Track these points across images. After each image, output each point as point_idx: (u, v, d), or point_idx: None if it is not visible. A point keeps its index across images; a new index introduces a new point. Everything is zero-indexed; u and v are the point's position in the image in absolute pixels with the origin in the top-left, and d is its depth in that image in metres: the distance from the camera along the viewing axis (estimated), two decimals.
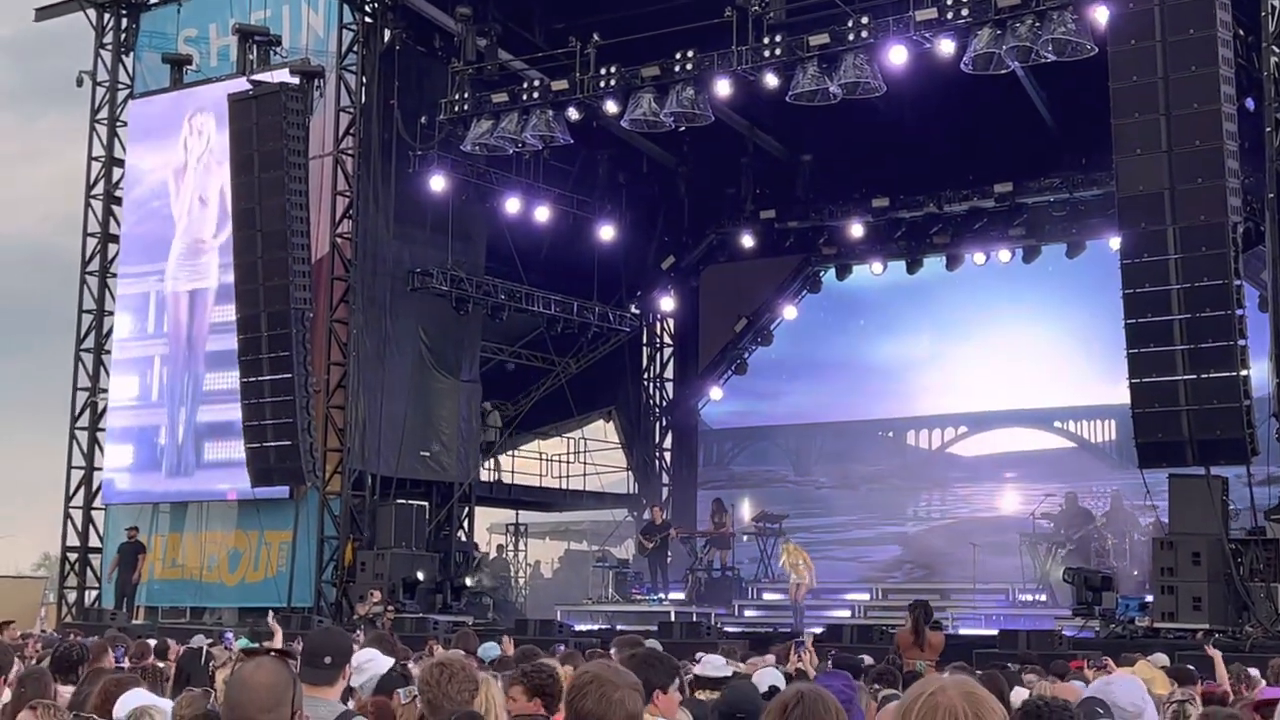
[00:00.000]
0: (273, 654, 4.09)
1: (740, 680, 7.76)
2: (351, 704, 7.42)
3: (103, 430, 28.20)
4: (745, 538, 28.66)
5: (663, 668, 5.75)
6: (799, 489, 29.76)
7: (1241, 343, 17.37)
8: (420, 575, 24.35)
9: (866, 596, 26.67)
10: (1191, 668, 12.27)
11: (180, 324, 27.08)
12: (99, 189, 29.02)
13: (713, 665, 8.58)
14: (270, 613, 19.75)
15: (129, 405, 27.54)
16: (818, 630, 20.14)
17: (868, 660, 13.18)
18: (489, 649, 12.30)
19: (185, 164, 27.28)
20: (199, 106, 26.82)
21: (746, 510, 29.72)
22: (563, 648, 14.65)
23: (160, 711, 6.44)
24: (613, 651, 10.30)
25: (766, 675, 7.96)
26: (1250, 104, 19.86)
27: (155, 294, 27.48)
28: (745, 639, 18.93)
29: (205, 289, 26.60)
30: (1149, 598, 18.88)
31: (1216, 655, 12.76)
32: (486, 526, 33.30)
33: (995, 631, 19.90)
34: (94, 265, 28.83)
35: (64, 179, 30.08)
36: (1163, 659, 12.91)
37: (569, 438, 32.45)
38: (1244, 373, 17.38)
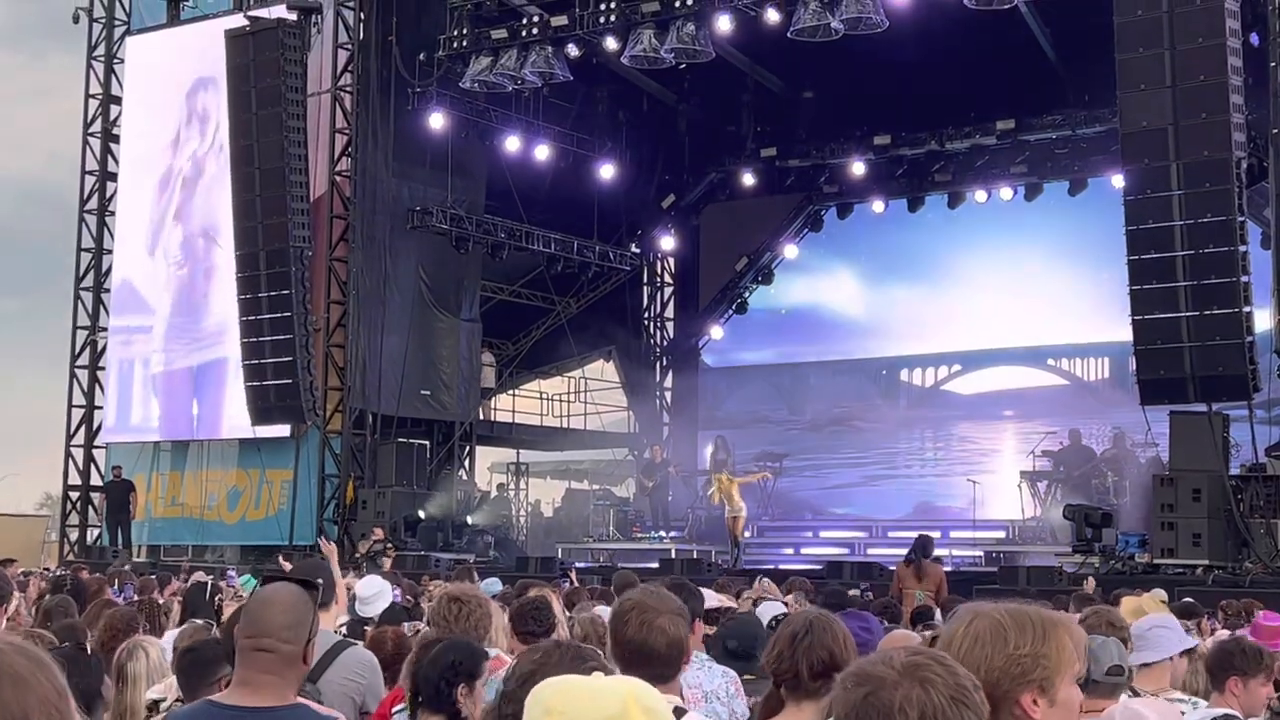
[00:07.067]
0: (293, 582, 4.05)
1: (744, 614, 7.85)
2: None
3: (103, 369, 28.20)
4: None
5: (699, 597, 5.82)
6: (796, 428, 29.73)
7: (1244, 279, 17.32)
8: (421, 513, 24.42)
9: (865, 534, 26.73)
10: (1191, 600, 12.30)
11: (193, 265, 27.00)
12: (96, 127, 28.88)
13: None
14: (280, 556, 19.77)
15: (131, 345, 27.50)
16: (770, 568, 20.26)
17: (854, 593, 13.25)
18: (490, 584, 12.37)
19: (189, 117, 27.09)
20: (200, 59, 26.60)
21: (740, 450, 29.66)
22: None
23: (153, 644, 6.47)
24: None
25: (770, 608, 8.02)
26: (1255, 39, 19.72)
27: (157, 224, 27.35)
28: (744, 575, 18.98)
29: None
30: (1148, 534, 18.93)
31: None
32: (487, 465, 33.35)
33: (995, 568, 20.01)
34: (92, 204, 28.75)
35: (70, 117, 29.99)
36: (1161, 594, 12.93)
37: (569, 377, 32.42)
38: (1246, 309, 17.34)
